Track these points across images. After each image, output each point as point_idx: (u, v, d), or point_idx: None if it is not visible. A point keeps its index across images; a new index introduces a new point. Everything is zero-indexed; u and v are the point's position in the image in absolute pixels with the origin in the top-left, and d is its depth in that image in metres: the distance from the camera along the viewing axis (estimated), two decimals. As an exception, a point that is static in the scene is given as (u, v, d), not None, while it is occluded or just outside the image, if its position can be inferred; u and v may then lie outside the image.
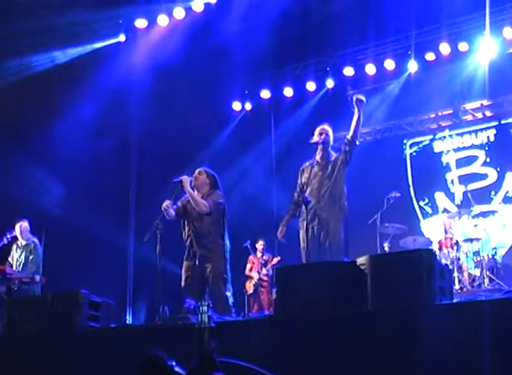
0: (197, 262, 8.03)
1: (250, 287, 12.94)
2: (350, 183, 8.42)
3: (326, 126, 8.32)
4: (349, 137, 8.23)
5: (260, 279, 12.94)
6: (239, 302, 11.49)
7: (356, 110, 8.25)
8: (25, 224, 10.66)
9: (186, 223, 8.26)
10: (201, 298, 7.56)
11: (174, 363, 3.73)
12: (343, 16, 12.80)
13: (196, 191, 8.24)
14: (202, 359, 3.66)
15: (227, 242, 8.18)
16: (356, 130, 8.27)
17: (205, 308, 3.79)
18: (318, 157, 8.21)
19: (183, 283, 8.14)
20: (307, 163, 8.28)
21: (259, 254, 13.17)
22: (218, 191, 8.29)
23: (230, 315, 7.60)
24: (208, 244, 8.05)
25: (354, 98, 8.34)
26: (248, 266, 13.13)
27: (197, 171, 8.39)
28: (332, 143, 8.37)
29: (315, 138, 8.24)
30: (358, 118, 8.28)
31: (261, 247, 13.16)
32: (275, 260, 12.90)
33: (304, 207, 7.78)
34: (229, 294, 7.97)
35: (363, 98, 8.35)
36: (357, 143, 8.40)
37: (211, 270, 7.95)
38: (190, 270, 8.08)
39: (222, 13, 12.90)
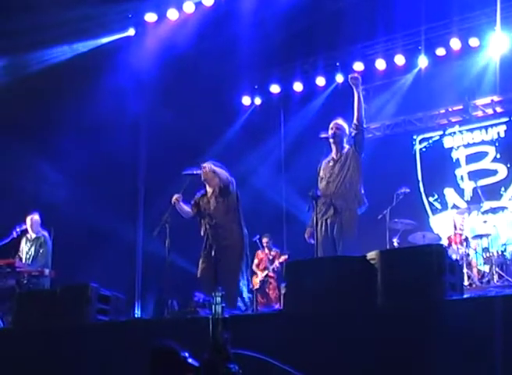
0: (212, 253, 8.04)
1: (256, 282, 12.95)
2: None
3: (339, 121, 8.27)
4: (355, 120, 8.12)
5: (267, 275, 12.94)
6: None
7: (354, 90, 8.14)
8: (36, 217, 10.67)
9: (202, 219, 8.27)
10: (214, 290, 7.55)
11: (187, 355, 3.72)
12: (352, 11, 12.76)
13: (207, 185, 8.28)
14: (215, 351, 3.65)
15: (245, 230, 8.18)
16: (359, 110, 8.09)
17: (219, 298, 3.77)
18: (333, 152, 8.20)
19: (198, 274, 8.14)
20: (326, 159, 8.24)
21: (266, 250, 13.17)
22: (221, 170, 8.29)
23: (236, 309, 7.57)
24: (225, 233, 8.08)
25: (349, 77, 8.26)
26: (256, 261, 13.13)
27: (203, 166, 8.40)
28: (345, 136, 8.29)
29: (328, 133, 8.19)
30: (358, 98, 8.10)
31: (266, 244, 13.16)
32: (283, 258, 12.88)
33: (314, 202, 7.73)
34: (242, 287, 7.94)
35: (357, 76, 8.25)
36: (365, 125, 8.28)
37: (224, 261, 7.96)
38: (206, 261, 8.11)
39: (231, 7, 12.90)
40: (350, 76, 8.34)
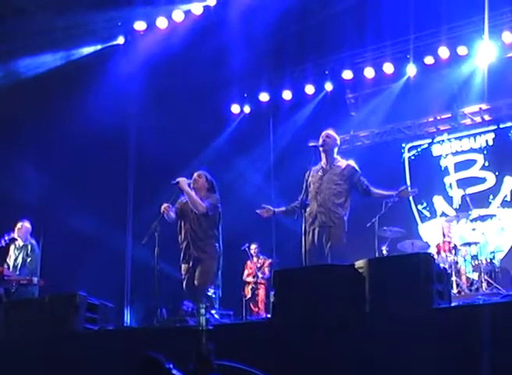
0: (191, 264, 8.08)
1: (248, 291, 12.95)
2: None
3: (329, 131, 8.28)
4: (374, 192, 8.17)
5: (256, 283, 12.94)
6: (237, 306, 11.50)
7: (391, 194, 8.28)
8: (26, 224, 10.64)
9: (183, 224, 8.28)
10: (197, 301, 7.61)
11: (172, 366, 3.72)
12: (341, 19, 12.79)
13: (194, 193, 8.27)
14: (199, 362, 3.65)
15: (221, 246, 8.25)
16: (377, 197, 8.32)
17: (203, 310, 3.78)
18: (322, 161, 8.21)
19: (183, 286, 8.18)
20: (315, 167, 8.23)
21: (255, 258, 13.17)
22: (216, 195, 8.36)
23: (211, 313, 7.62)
24: (204, 246, 8.14)
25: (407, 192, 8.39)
26: (246, 271, 13.14)
27: (196, 174, 8.42)
28: (336, 147, 8.30)
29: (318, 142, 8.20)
30: (387, 197, 8.42)
31: (254, 251, 13.17)
32: (267, 262, 12.94)
33: (303, 210, 7.75)
34: (211, 293, 7.99)
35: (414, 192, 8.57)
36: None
37: (200, 272, 8.02)
38: (187, 273, 8.15)
39: (221, 16, 12.91)
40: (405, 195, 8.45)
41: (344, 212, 8.00)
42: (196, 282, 8.02)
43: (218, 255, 8.19)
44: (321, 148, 8.14)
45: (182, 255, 8.23)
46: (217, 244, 8.21)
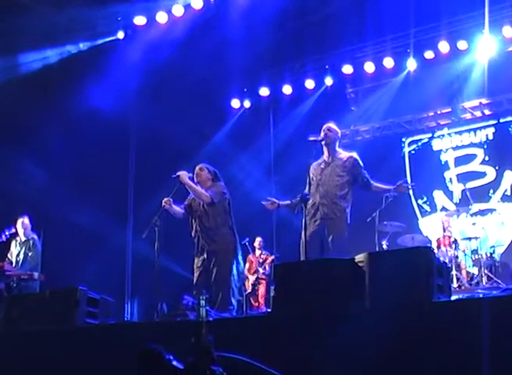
0: (205, 256, 8.02)
1: (248, 285, 12.97)
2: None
3: (330, 124, 8.24)
4: (374, 186, 8.15)
5: (257, 278, 12.96)
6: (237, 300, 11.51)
7: (389, 188, 8.25)
8: (26, 220, 10.65)
9: (193, 220, 8.24)
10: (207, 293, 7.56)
11: (172, 357, 3.73)
12: (341, 14, 12.79)
13: (199, 186, 8.24)
14: (200, 353, 3.66)
15: (236, 233, 8.15)
16: (376, 190, 8.26)
17: (203, 301, 3.78)
18: (324, 155, 8.19)
19: (194, 280, 8.11)
20: (317, 161, 8.22)
21: (258, 252, 13.19)
22: (220, 183, 8.30)
23: (228, 312, 7.57)
24: (215, 236, 8.05)
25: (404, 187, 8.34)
26: (247, 265, 13.15)
27: (197, 167, 8.39)
28: (337, 140, 8.27)
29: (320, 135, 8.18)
30: (385, 191, 8.39)
31: (259, 244, 13.18)
32: (270, 259, 12.95)
33: (303, 204, 7.74)
34: (234, 291, 7.93)
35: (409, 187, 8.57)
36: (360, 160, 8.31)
37: (215, 264, 7.93)
38: (201, 266, 8.07)
39: (221, 11, 12.90)
40: (407, 186, 8.43)
41: (346, 204, 7.98)
42: (213, 284, 7.89)
43: (233, 245, 8.07)
44: (322, 142, 8.12)
45: (195, 249, 8.16)
46: (229, 232, 8.10)
